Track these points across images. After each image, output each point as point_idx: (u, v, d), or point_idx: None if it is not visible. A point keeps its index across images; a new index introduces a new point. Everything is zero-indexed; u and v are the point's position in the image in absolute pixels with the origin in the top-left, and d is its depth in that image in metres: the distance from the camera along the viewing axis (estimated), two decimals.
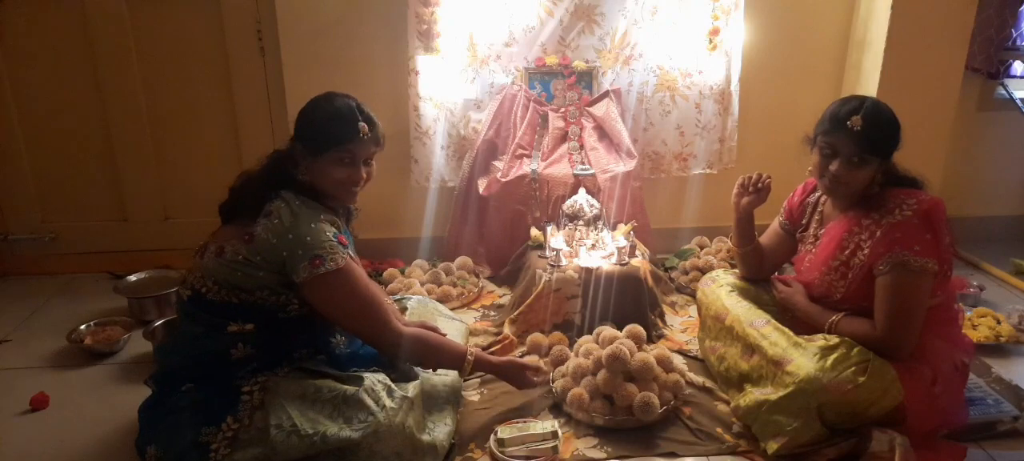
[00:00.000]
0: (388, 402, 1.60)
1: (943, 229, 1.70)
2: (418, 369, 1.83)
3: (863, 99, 1.76)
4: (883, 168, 1.76)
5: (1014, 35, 2.98)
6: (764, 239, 2.11)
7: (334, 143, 1.65)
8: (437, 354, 1.81)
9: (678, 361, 2.18)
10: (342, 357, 1.72)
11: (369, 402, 1.57)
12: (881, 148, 1.75)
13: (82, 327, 2.39)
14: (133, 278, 2.73)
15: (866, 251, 1.74)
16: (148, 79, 2.88)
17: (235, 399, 1.56)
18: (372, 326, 1.67)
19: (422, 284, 2.63)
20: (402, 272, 2.76)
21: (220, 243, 1.61)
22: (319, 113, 1.67)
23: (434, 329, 1.93)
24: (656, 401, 1.86)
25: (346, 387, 1.60)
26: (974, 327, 2.34)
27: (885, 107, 1.77)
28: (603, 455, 1.79)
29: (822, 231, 1.92)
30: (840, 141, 1.74)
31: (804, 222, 2.01)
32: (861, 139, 1.71)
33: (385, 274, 2.73)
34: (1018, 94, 3.12)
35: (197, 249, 1.70)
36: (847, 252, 1.79)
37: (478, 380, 2.10)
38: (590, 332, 2.31)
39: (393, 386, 1.66)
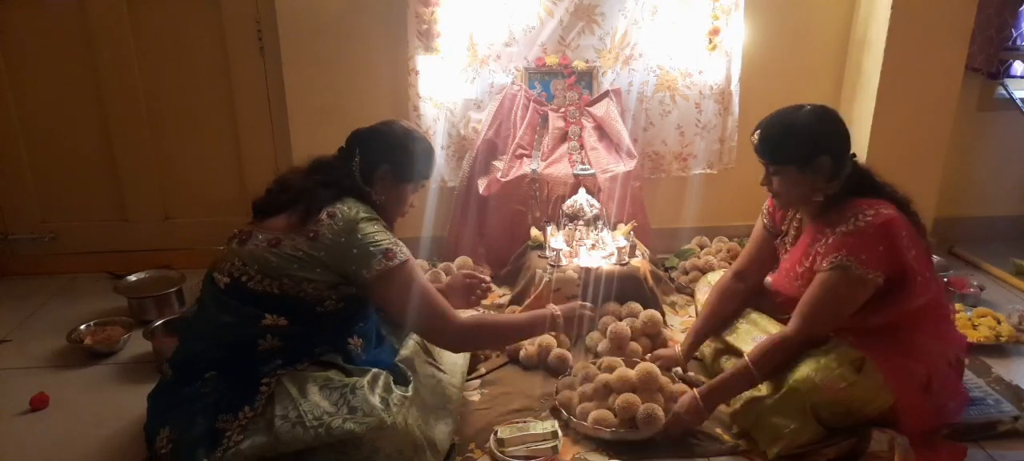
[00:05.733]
0: (391, 400, 1.61)
1: (902, 243, 1.66)
2: (429, 365, 1.84)
3: (779, 110, 1.77)
4: (828, 172, 1.71)
5: (1014, 35, 2.98)
6: (750, 246, 2.07)
7: (423, 177, 1.89)
8: (511, 330, 1.95)
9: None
10: (357, 361, 1.73)
11: (373, 398, 1.58)
12: (778, 156, 1.74)
13: (82, 327, 2.39)
14: (133, 278, 2.73)
15: (819, 257, 1.73)
16: (148, 79, 2.88)
17: (255, 389, 1.58)
18: (436, 315, 1.72)
19: None
20: None
21: (275, 235, 1.65)
22: (418, 147, 1.84)
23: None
24: (660, 413, 1.79)
25: (353, 380, 1.62)
26: (974, 327, 2.34)
27: (790, 115, 1.74)
28: (604, 456, 1.79)
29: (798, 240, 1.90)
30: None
31: (784, 229, 1.98)
32: (758, 150, 1.77)
33: None
34: (1018, 94, 3.12)
35: (232, 236, 1.72)
36: (809, 260, 1.77)
37: (478, 380, 2.11)
38: (592, 331, 2.32)
39: (394, 385, 1.67)
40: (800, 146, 1.72)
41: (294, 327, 1.64)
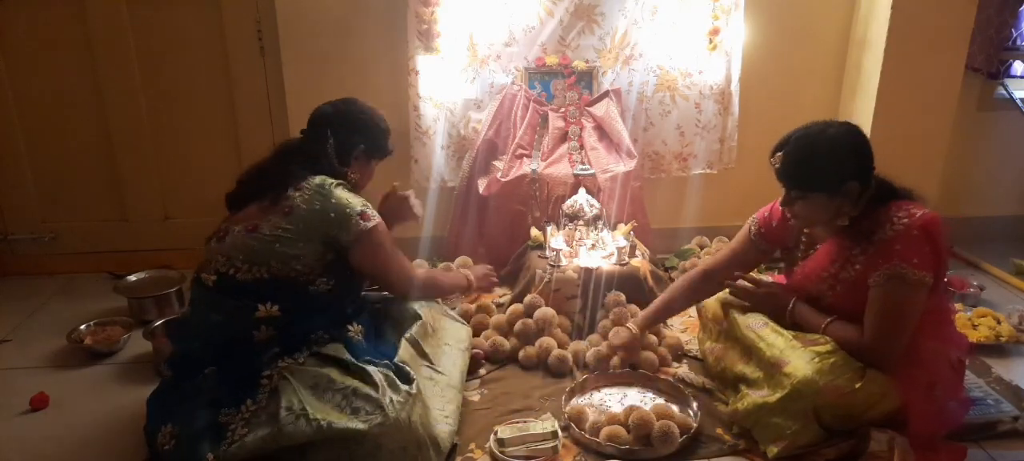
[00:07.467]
0: (395, 397, 1.61)
1: (943, 243, 1.66)
2: (425, 367, 1.86)
3: (803, 130, 1.71)
4: (856, 196, 1.68)
5: (1014, 35, 2.98)
6: (728, 252, 2.06)
7: (387, 153, 2.02)
8: (445, 286, 2.24)
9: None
10: (358, 348, 1.74)
11: (377, 396, 1.58)
12: (804, 182, 1.70)
13: (82, 327, 2.39)
14: (133, 278, 2.74)
15: (858, 266, 1.71)
16: (148, 79, 2.88)
17: (255, 382, 1.59)
18: (402, 273, 1.92)
19: None
20: None
21: (252, 222, 1.68)
22: (384, 125, 1.98)
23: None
24: (676, 431, 1.76)
25: (355, 381, 1.62)
26: (974, 327, 2.34)
27: (814, 138, 1.68)
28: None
29: (812, 251, 1.89)
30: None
31: (791, 244, 1.96)
32: (781, 176, 1.72)
33: None
34: (1018, 94, 3.12)
35: (209, 237, 1.75)
36: (837, 266, 1.77)
37: (478, 380, 2.11)
38: (591, 332, 2.32)
39: (399, 382, 1.67)
40: (828, 172, 1.67)
41: (286, 315, 1.65)
